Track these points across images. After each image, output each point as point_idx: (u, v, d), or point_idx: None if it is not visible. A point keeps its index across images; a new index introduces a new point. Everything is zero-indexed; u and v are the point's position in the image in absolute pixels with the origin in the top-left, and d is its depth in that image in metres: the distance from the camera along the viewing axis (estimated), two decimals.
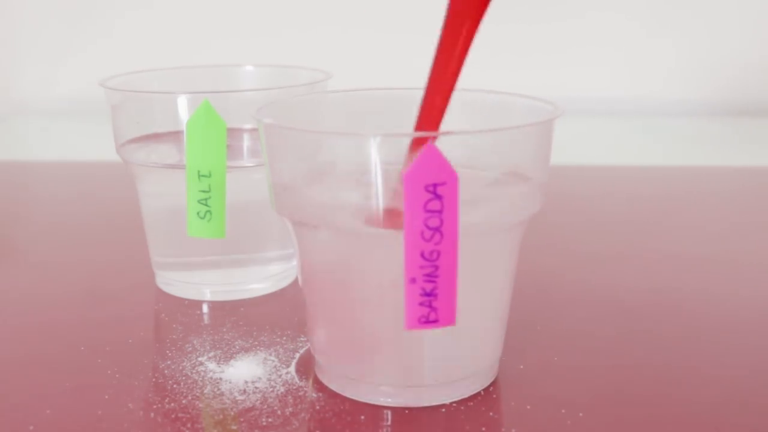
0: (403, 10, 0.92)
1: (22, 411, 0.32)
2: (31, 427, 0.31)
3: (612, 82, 0.94)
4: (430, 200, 0.28)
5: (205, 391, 0.34)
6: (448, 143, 0.28)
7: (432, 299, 0.28)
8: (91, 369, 0.35)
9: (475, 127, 0.33)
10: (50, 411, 0.32)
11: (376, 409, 0.32)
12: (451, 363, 0.32)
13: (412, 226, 0.28)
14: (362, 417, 0.32)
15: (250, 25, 0.94)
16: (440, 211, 0.28)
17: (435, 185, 0.27)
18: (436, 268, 0.28)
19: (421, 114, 0.32)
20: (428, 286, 0.28)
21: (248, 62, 0.47)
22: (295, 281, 0.45)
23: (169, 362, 0.36)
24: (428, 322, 0.29)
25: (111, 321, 0.40)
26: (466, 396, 0.33)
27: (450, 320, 0.29)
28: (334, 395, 0.33)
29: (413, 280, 0.28)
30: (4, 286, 0.46)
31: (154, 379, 0.35)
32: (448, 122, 0.34)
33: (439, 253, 0.28)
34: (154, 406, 0.32)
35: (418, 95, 0.34)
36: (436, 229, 0.28)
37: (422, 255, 0.28)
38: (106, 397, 0.33)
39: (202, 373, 0.35)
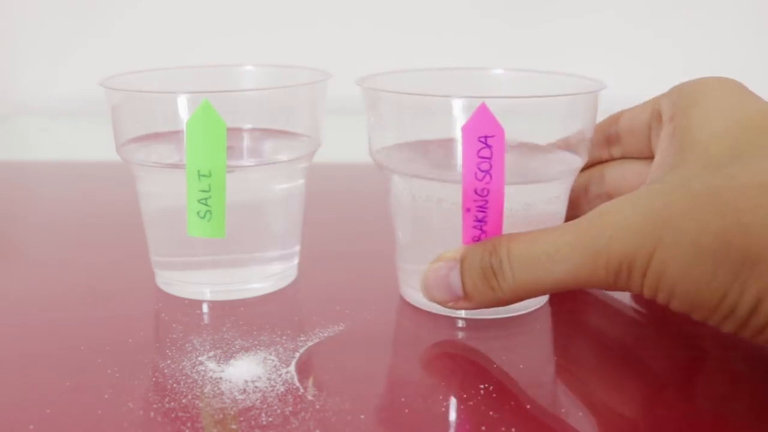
0: (403, 11, 0.92)
1: (22, 411, 0.32)
2: (31, 427, 0.31)
3: (612, 82, 0.94)
4: (481, 149, 0.35)
5: (205, 391, 0.34)
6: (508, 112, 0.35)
7: (483, 224, 0.36)
8: (91, 369, 0.35)
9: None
10: (50, 411, 0.32)
11: (377, 409, 0.32)
12: None
13: (467, 168, 0.35)
14: (362, 416, 0.32)
15: (250, 24, 0.94)
16: (489, 158, 0.35)
17: (486, 137, 0.35)
18: (486, 202, 0.35)
19: None
20: (480, 215, 0.36)
21: (248, 62, 0.47)
22: (295, 281, 0.45)
23: (169, 362, 0.36)
24: (479, 240, 0.36)
25: (111, 321, 0.40)
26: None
27: None
28: (333, 394, 0.33)
29: (468, 210, 0.36)
30: (4, 286, 0.46)
31: (153, 379, 0.35)
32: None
33: (488, 191, 0.35)
34: (154, 406, 0.32)
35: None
36: (487, 172, 0.35)
37: (475, 191, 0.35)
38: (106, 397, 0.33)
39: (202, 373, 0.35)
